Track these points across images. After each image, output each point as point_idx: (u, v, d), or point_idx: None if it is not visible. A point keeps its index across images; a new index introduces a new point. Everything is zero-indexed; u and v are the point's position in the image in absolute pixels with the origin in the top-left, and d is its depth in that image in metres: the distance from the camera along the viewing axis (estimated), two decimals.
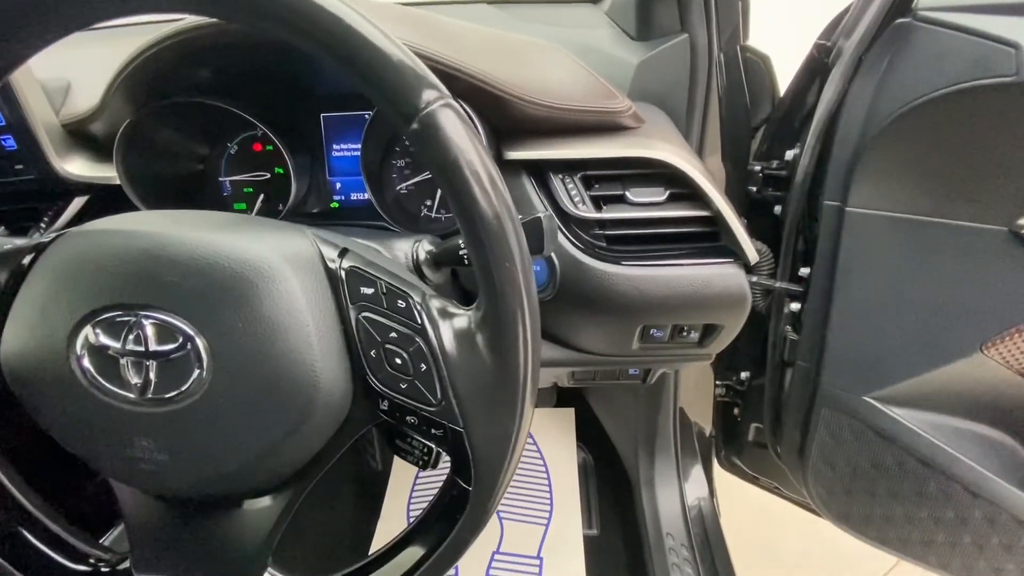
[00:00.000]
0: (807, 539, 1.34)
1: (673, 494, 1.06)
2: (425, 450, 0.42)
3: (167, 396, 0.31)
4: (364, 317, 0.33)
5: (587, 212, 0.52)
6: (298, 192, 0.61)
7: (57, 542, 0.39)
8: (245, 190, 0.67)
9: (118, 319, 0.31)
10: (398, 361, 0.32)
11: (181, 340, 0.31)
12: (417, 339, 0.32)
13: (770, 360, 0.88)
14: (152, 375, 0.31)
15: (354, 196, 0.67)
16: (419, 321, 0.32)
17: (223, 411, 0.31)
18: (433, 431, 0.33)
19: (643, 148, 0.50)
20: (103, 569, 0.39)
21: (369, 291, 0.33)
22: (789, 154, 0.77)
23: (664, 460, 1.09)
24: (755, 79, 0.77)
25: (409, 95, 0.27)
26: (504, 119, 0.51)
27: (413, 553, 0.36)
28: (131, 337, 0.31)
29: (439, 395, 0.32)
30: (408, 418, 0.33)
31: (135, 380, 0.31)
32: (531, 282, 0.30)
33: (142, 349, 0.31)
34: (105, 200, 0.60)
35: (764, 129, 0.82)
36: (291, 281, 0.32)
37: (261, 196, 0.66)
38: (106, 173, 0.56)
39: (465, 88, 0.48)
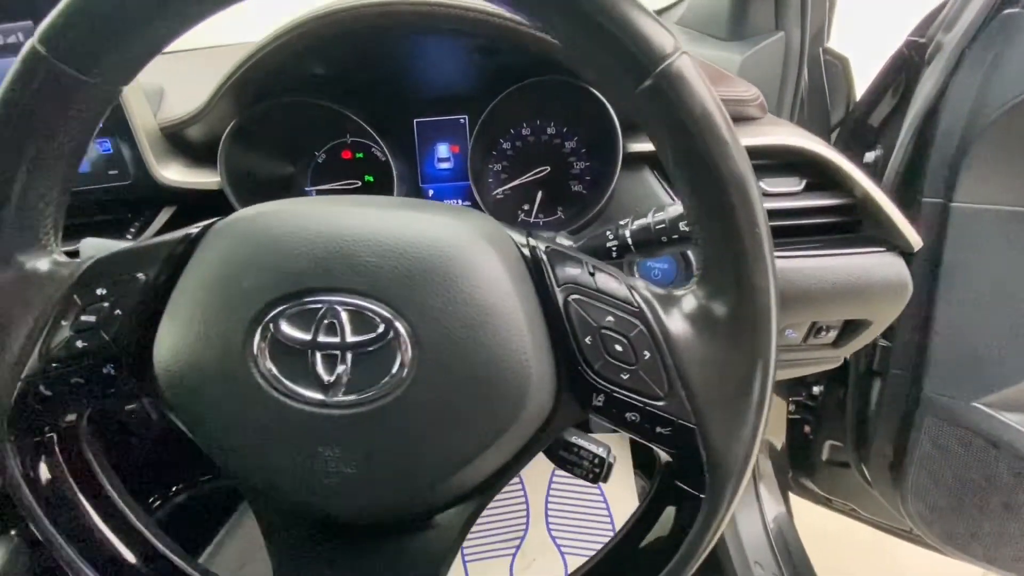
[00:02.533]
0: (878, 564, 1.27)
1: (755, 520, 0.99)
2: (596, 461, 0.38)
3: (362, 395, 0.27)
4: (574, 300, 0.29)
5: None
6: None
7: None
8: None
9: (308, 307, 0.27)
10: (618, 348, 0.28)
11: (382, 328, 0.27)
12: (638, 323, 0.28)
13: (853, 370, 0.85)
14: (346, 370, 0.27)
15: (446, 202, 0.64)
16: (636, 303, 0.29)
17: (428, 409, 0.27)
18: (658, 429, 0.29)
19: (779, 136, 0.48)
20: None
21: (576, 271, 0.30)
22: (869, 156, 0.75)
23: None
24: (832, 81, 0.77)
25: (645, 47, 0.25)
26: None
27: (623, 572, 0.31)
28: (323, 326, 0.27)
29: (667, 387, 0.28)
30: (628, 415, 0.29)
31: (326, 377, 0.27)
32: (773, 252, 0.27)
33: (337, 340, 0.27)
34: (192, 211, 0.57)
35: (839, 132, 0.81)
36: (495, 261, 0.29)
37: None
38: (200, 179, 0.53)
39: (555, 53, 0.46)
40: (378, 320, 0.27)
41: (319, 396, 0.27)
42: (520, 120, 0.59)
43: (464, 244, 0.28)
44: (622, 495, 1.22)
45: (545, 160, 0.61)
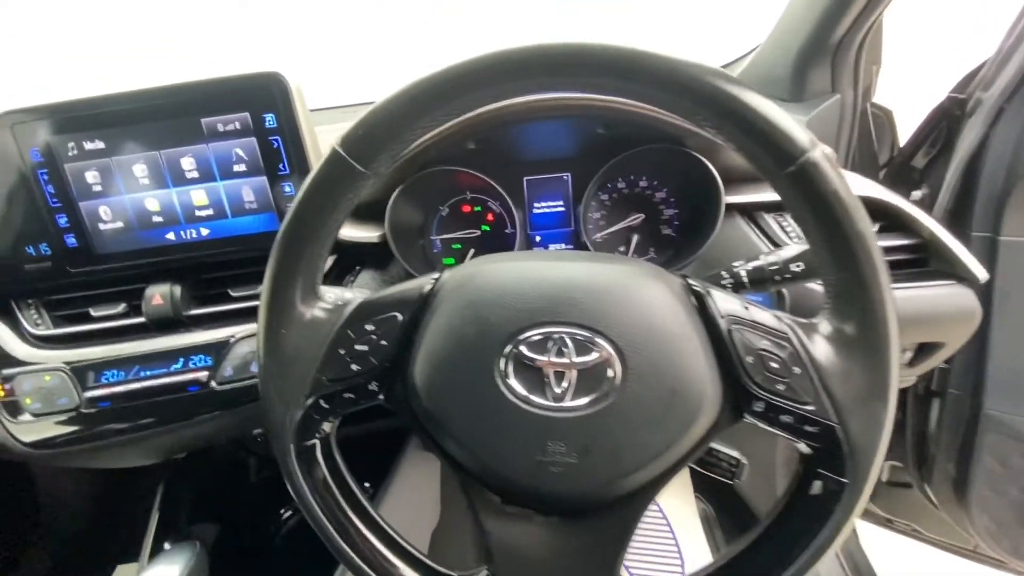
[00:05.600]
0: None
1: None
2: (733, 462, 0.45)
3: (583, 402, 0.36)
4: (735, 328, 0.38)
5: (803, 245, 0.58)
6: (520, 245, 0.68)
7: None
8: (453, 246, 0.74)
9: (542, 336, 0.37)
10: (774, 365, 0.37)
11: (597, 352, 0.36)
12: (788, 345, 0.37)
13: (911, 392, 0.90)
14: (571, 383, 0.36)
15: (552, 246, 0.74)
16: (784, 330, 0.37)
17: (632, 413, 0.36)
18: (807, 428, 0.37)
19: (858, 189, 0.57)
20: None
21: (733, 306, 0.38)
22: (916, 194, 0.84)
23: None
24: (877, 130, 0.86)
25: (788, 144, 0.34)
26: (726, 166, 0.59)
27: (777, 553, 0.38)
28: (554, 351, 0.36)
29: (814, 394, 0.36)
30: (782, 417, 0.37)
31: (557, 389, 0.36)
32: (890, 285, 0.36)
33: (565, 360, 0.36)
34: (347, 259, 0.67)
35: (884, 172, 0.90)
36: (672, 298, 0.38)
37: (471, 252, 0.73)
38: (363, 233, 0.64)
39: (700, 141, 0.56)
40: (595, 345, 0.36)
41: (551, 403, 0.36)
42: (616, 175, 0.70)
43: (649, 285, 0.38)
44: (685, 519, 1.26)
45: (638, 208, 0.71)
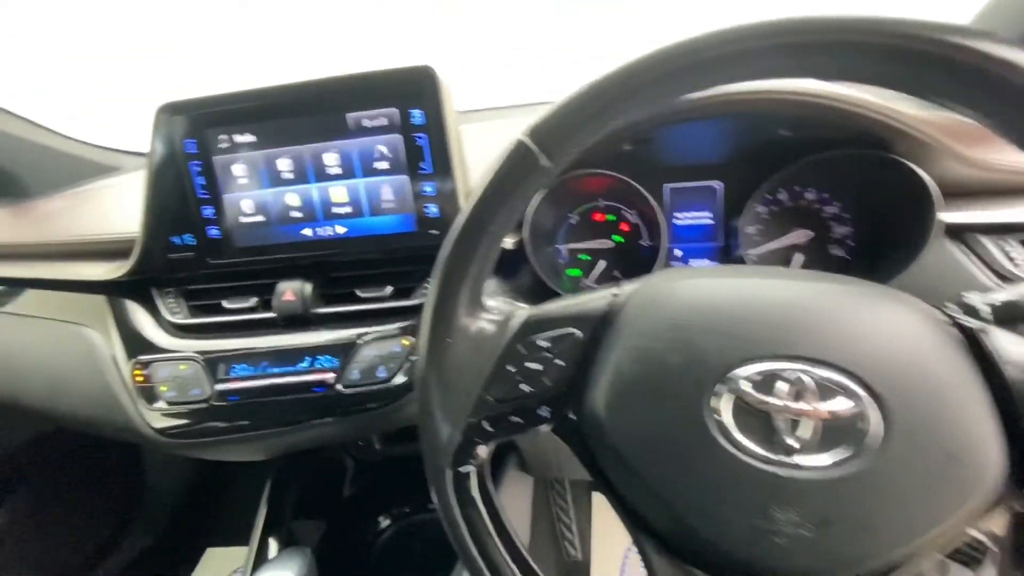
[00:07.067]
0: None
1: None
2: (977, 545, 0.36)
3: (825, 462, 0.29)
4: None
5: None
6: (663, 259, 0.61)
7: None
8: (580, 256, 0.69)
9: (771, 371, 0.30)
10: None
11: (850, 399, 0.29)
12: None
13: None
14: (810, 435, 0.29)
15: (693, 262, 0.67)
16: None
17: (892, 479, 0.28)
18: None
19: None
20: None
21: (1020, 349, 0.30)
22: None
23: None
24: None
25: None
26: (940, 178, 0.49)
27: None
28: (786, 391, 0.29)
29: None
30: None
31: (790, 441, 0.29)
32: None
33: (804, 406, 0.29)
34: None
35: None
36: (942, 334, 0.30)
37: (601, 263, 0.67)
38: None
39: (913, 146, 0.47)
40: (845, 390, 0.29)
41: (779, 457, 0.29)
42: (780, 185, 0.61)
43: (906, 315, 0.30)
44: None
45: (803, 223, 0.62)
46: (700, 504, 0.31)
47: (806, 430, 0.29)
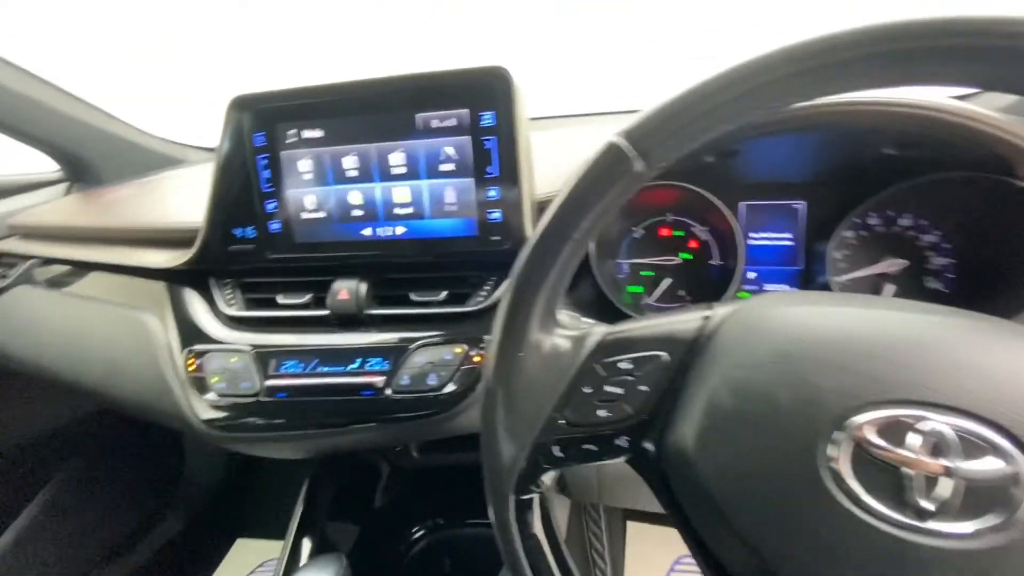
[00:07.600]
0: None
1: None
2: None
3: (967, 528, 0.24)
4: None
5: None
6: (737, 280, 0.57)
7: None
8: (642, 272, 0.65)
9: (902, 419, 0.26)
10: None
11: (1000, 457, 0.24)
12: None
13: None
14: (951, 498, 0.25)
15: (768, 287, 0.62)
16: None
17: None
18: None
19: None
20: None
21: None
22: None
23: None
24: None
25: None
26: None
27: None
28: (924, 445, 0.25)
29: None
30: None
31: (925, 503, 0.25)
32: None
33: (944, 463, 0.25)
34: None
35: None
36: None
37: (666, 281, 0.64)
38: None
39: (1010, 150, 0.42)
40: (993, 447, 0.24)
41: (910, 520, 0.25)
42: (870, 208, 0.56)
43: None
44: None
45: (895, 252, 0.56)
46: (801, 561, 0.27)
47: (945, 490, 0.25)
